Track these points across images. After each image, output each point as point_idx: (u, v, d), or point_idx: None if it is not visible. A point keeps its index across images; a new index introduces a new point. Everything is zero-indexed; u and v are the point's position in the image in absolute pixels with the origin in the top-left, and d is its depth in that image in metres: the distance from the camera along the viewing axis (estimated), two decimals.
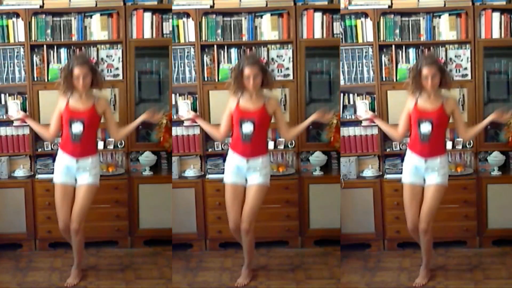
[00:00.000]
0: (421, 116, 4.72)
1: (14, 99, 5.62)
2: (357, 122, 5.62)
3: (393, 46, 5.57)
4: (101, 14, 5.58)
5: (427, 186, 4.76)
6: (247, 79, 4.71)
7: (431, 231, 4.77)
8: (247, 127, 4.76)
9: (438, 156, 4.75)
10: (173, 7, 5.58)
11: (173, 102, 5.65)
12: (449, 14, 5.53)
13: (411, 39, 5.56)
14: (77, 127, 4.74)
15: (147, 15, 5.62)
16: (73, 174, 4.79)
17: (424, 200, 4.76)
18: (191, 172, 5.65)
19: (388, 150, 5.65)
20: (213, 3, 5.61)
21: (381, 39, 5.56)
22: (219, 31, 5.62)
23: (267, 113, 4.79)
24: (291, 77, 5.61)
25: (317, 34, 5.62)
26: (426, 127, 4.71)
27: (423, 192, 4.78)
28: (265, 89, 4.84)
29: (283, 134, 4.99)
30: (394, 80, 5.55)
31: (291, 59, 5.61)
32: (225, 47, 5.63)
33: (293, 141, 5.66)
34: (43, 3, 5.56)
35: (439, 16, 5.54)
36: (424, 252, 4.89)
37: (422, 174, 4.76)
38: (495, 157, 5.54)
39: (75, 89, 4.74)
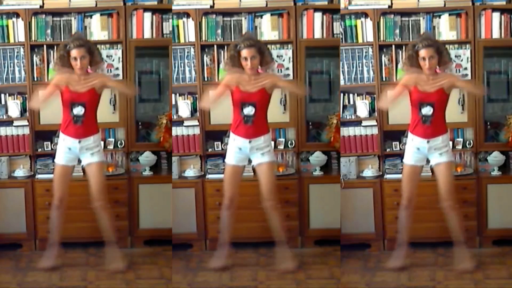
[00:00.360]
0: (422, 100, 4.78)
1: (14, 99, 5.62)
2: (357, 122, 5.63)
3: (393, 46, 5.57)
4: (101, 14, 5.58)
5: (435, 166, 4.88)
6: (244, 61, 4.76)
7: (456, 207, 4.88)
8: (249, 110, 4.83)
9: (440, 136, 4.83)
10: (173, 7, 5.58)
11: (173, 102, 5.65)
12: (449, 14, 5.53)
13: (411, 39, 5.56)
14: (79, 110, 4.82)
15: (147, 15, 5.63)
16: (76, 155, 4.92)
17: (439, 180, 4.88)
18: (191, 172, 5.65)
19: (388, 150, 5.65)
20: (213, 3, 5.62)
21: (381, 39, 5.56)
22: (219, 31, 5.62)
23: (267, 93, 4.87)
24: (291, 77, 5.61)
25: (317, 34, 5.62)
26: (427, 110, 4.77)
27: (420, 172, 4.97)
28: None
29: (298, 91, 5.16)
30: (394, 80, 5.55)
31: (291, 59, 5.61)
32: (225, 47, 5.62)
33: (293, 141, 5.66)
34: (43, 3, 5.56)
35: (439, 16, 5.54)
36: (458, 230, 4.94)
37: (425, 155, 4.88)
38: (495, 157, 5.54)
39: (72, 70, 4.79)
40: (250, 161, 5.07)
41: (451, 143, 5.53)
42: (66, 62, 4.80)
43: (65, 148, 4.90)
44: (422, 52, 4.72)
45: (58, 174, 4.96)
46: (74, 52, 4.76)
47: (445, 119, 4.91)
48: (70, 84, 4.83)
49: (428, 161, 4.99)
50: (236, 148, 4.93)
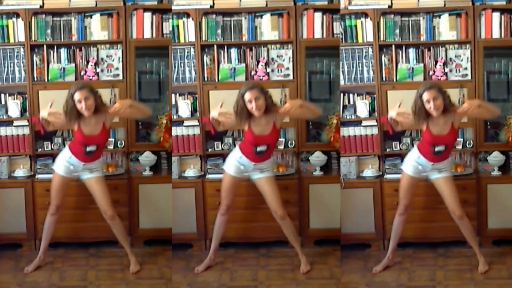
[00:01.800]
0: (436, 143, 4.86)
1: (14, 99, 5.62)
2: (357, 122, 5.63)
3: (393, 46, 5.57)
4: (101, 14, 5.58)
5: (436, 180, 4.96)
6: (249, 104, 4.81)
7: (465, 216, 4.97)
8: (262, 148, 4.96)
9: (445, 160, 4.94)
10: (173, 7, 5.58)
11: (173, 102, 5.65)
12: (449, 14, 5.53)
13: (411, 39, 5.56)
14: (92, 148, 4.94)
15: (147, 15, 5.63)
16: (78, 173, 5.01)
17: (443, 194, 4.96)
18: (191, 172, 5.65)
19: (388, 150, 5.65)
20: (213, 3, 5.62)
21: (381, 39, 5.56)
22: (219, 31, 5.62)
23: (277, 130, 4.98)
24: (291, 77, 5.61)
25: (317, 34, 5.62)
26: (440, 148, 4.87)
27: (417, 184, 5.05)
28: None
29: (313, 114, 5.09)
30: (394, 80, 5.55)
31: (291, 59, 5.61)
32: (225, 47, 5.63)
33: (293, 141, 5.66)
34: (43, 3, 5.56)
35: (439, 16, 5.54)
36: (470, 238, 5.06)
37: (426, 172, 4.95)
38: (495, 157, 5.54)
39: (80, 116, 4.84)
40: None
41: None
42: (74, 113, 4.81)
43: (68, 163, 4.98)
44: (425, 95, 4.73)
45: (56, 183, 5.04)
46: (77, 95, 4.78)
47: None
48: (83, 126, 4.87)
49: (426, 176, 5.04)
50: (239, 163, 5.01)
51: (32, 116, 5.46)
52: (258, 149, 4.95)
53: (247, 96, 4.81)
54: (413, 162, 4.95)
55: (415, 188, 5.06)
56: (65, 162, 4.98)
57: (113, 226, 5.08)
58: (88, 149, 4.93)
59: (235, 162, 5.01)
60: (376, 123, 5.60)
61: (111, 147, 5.68)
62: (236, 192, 5.13)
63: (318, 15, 5.61)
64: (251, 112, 4.84)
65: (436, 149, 4.87)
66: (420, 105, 4.75)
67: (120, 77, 5.61)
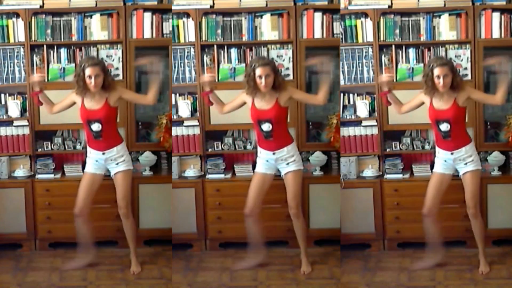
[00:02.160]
0: (437, 117, 4.89)
1: (14, 99, 5.62)
2: (357, 122, 5.63)
3: (393, 46, 5.57)
4: (101, 14, 5.58)
5: (462, 175, 4.97)
6: (259, 79, 4.86)
7: (480, 215, 5.04)
8: (266, 126, 4.94)
9: (463, 147, 4.92)
10: (173, 7, 5.58)
11: (173, 102, 5.65)
12: (449, 14, 5.52)
13: (411, 39, 5.56)
14: (96, 126, 4.93)
15: (147, 15, 5.62)
16: (104, 166, 5.03)
17: (465, 189, 4.97)
18: (191, 172, 5.65)
19: (388, 150, 5.64)
20: (213, 3, 5.61)
21: (381, 39, 5.56)
22: (219, 31, 5.62)
23: (282, 108, 4.96)
24: (291, 77, 5.61)
25: (317, 34, 5.62)
26: (444, 127, 4.88)
27: (448, 182, 5.00)
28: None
29: (315, 102, 5.10)
30: (394, 80, 5.54)
31: (291, 59, 5.61)
32: (225, 47, 5.62)
33: None
34: (43, 3, 5.56)
35: (439, 16, 5.54)
36: (479, 238, 5.07)
37: (452, 166, 4.96)
38: (495, 157, 5.54)
39: (88, 90, 4.90)
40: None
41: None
42: (84, 85, 4.88)
43: (93, 160, 5.02)
44: (437, 71, 4.80)
45: (85, 182, 5.03)
46: (88, 70, 4.84)
47: (466, 131, 5.01)
48: (86, 101, 4.94)
49: (457, 171, 5.03)
50: (264, 160, 5.04)
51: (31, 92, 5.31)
52: (263, 127, 4.93)
53: (258, 71, 4.86)
54: (438, 159, 4.99)
55: (442, 188, 5.00)
56: (90, 160, 5.03)
57: (125, 224, 5.10)
58: (93, 127, 4.91)
59: (260, 159, 5.05)
60: (376, 123, 5.60)
61: None
62: (264, 192, 5.07)
63: (318, 15, 5.61)
64: (259, 86, 4.89)
65: (441, 127, 4.87)
66: (431, 77, 4.82)
67: (120, 77, 5.61)
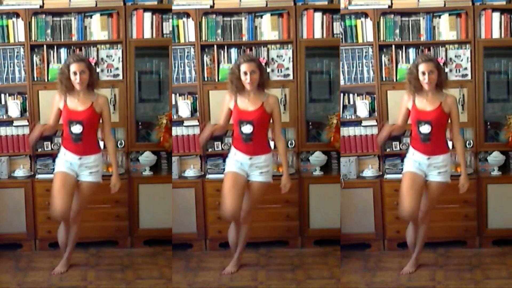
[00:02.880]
0: (419, 118, 4.74)
1: (14, 99, 5.62)
2: (357, 122, 5.63)
3: (393, 46, 5.57)
4: (101, 14, 5.58)
5: (429, 182, 4.80)
6: (244, 76, 4.73)
7: (428, 222, 4.91)
8: (247, 128, 4.79)
9: (441, 155, 4.78)
10: (173, 7, 5.58)
11: (173, 102, 5.65)
12: (449, 14, 5.53)
13: (411, 39, 5.56)
14: (77, 129, 4.76)
15: (147, 15, 5.63)
16: (76, 170, 4.80)
17: (427, 196, 4.83)
18: (191, 172, 5.65)
19: (388, 150, 5.64)
20: (213, 3, 5.62)
21: (381, 39, 5.56)
22: (219, 31, 5.62)
23: (266, 113, 4.81)
24: (291, 77, 5.61)
25: (317, 34, 5.62)
26: (425, 129, 4.73)
27: (422, 184, 4.80)
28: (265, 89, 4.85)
29: (273, 137, 4.98)
30: (394, 80, 5.55)
31: (291, 59, 5.61)
32: (225, 47, 5.63)
33: (293, 141, 5.66)
34: (43, 3, 5.56)
35: (439, 16, 5.54)
36: (419, 240, 4.97)
37: (424, 169, 4.79)
38: (495, 157, 5.54)
39: (73, 88, 4.76)
40: None
41: (451, 143, 5.55)
42: (68, 83, 4.72)
43: (67, 162, 4.80)
44: (422, 67, 4.67)
45: (58, 183, 4.78)
46: (73, 67, 4.71)
47: (445, 139, 4.85)
48: (69, 100, 4.78)
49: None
50: (237, 162, 4.85)
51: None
52: (243, 129, 4.77)
53: (243, 67, 4.72)
54: (410, 160, 4.82)
55: (418, 189, 4.77)
56: (62, 159, 4.81)
57: (72, 228, 4.91)
58: (73, 129, 4.73)
59: (232, 160, 4.86)
60: (376, 123, 5.60)
61: None
62: (241, 194, 4.83)
63: (318, 15, 5.61)
64: (244, 84, 4.74)
65: (422, 129, 4.71)
66: (415, 74, 4.68)
67: (120, 77, 5.61)
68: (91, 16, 5.59)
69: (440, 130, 4.77)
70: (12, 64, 5.58)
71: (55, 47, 5.58)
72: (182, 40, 5.64)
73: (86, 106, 4.77)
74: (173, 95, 5.64)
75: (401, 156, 5.55)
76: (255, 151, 4.82)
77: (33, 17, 5.53)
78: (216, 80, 5.60)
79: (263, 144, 4.88)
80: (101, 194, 5.13)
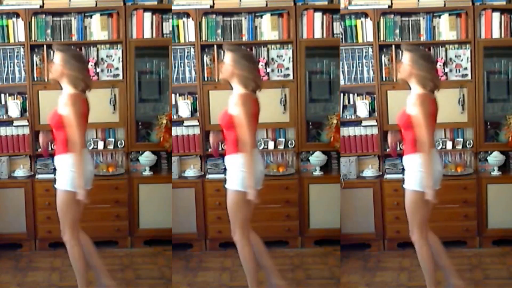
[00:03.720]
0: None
1: (14, 99, 5.63)
2: (357, 122, 5.63)
3: (393, 46, 5.57)
4: (101, 14, 5.58)
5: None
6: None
7: (425, 241, 4.42)
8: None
9: (409, 154, 4.23)
10: (173, 7, 5.58)
11: (173, 102, 5.65)
12: (449, 14, 5.53)
13: (411, 39, 5.56)
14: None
15: (147, 15, 5.63)
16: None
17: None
18: (191, 172, 5.65)
19: (388, 150, 5.64)
20: (213, 3, 5.62)
21: (381, 39, 5.56)
22: (219, 31, 5.62)
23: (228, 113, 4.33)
24: (291, 77, 5.61)
25: (317, 34, 5.62)
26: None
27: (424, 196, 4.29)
28: None
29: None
30: (394, 80, 5.55)
31: (291, 59, 5.62)
32: None
33: (293, 141, 5.67)
34: (43, 3, 5.56)
35: (439, 16, 5.54)
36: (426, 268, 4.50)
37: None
38: (495, 157, 5.54)
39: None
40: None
41: (451, 143, 5.57)
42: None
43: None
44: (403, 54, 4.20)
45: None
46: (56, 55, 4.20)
47: (415, 141, 4.17)
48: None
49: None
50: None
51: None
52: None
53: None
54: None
55: (423, 205, 4.18)
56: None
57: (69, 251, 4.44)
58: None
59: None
60: (376, 123, 5.60)
61: (111, 147, 5.68)
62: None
63: (318, 15, 5.61)
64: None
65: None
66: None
67: (120, 77, 5.61)
68: (91, 16, 5.59)
69: (407, 131, 4.22)
70: (12, 64, 5.58)
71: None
72: (182, 40, 5.64)
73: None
74: (173, 95, 5.64)
75: (401, 156, 5.54)
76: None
77: (33, 17, 5.53)
78: (216, 80, 5.60)
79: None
80: (101, 194, 5.14)
